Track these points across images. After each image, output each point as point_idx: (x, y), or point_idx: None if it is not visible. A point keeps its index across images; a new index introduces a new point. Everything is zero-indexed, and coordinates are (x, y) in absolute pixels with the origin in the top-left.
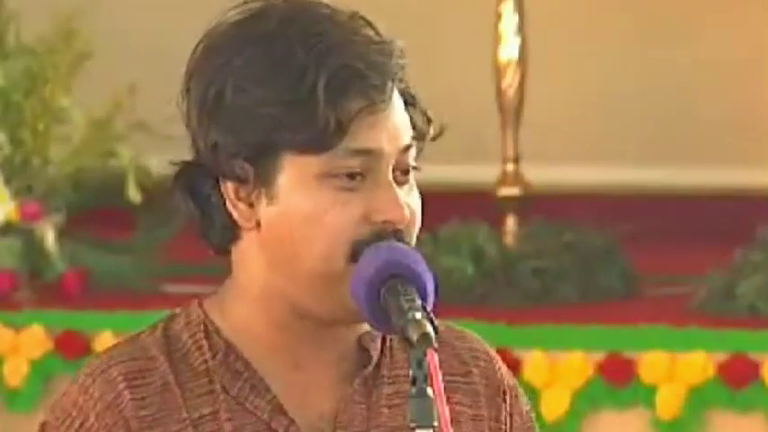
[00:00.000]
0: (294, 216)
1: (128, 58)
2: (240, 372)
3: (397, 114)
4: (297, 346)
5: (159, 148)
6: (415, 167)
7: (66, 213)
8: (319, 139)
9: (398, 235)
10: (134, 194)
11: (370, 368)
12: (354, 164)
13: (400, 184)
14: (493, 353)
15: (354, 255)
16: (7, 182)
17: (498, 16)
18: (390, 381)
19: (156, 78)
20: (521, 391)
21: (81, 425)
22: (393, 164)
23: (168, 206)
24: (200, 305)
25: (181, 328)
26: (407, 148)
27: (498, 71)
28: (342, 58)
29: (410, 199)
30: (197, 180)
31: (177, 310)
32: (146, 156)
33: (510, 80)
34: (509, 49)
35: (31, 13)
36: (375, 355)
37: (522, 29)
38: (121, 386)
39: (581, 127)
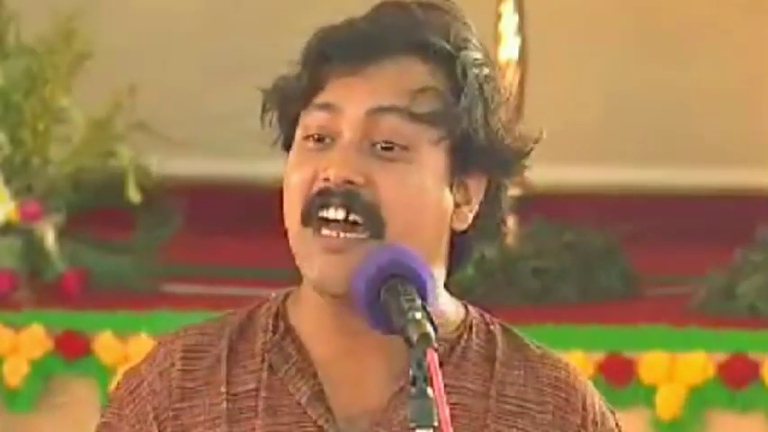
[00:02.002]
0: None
1: (128, 58)
2: (291, 354)
3: (378, 81)
4: (342, 333)
5: (159, 148)
6: (404, 147)
7: (66, 213)
8: (300, 94)
9: (344, 200)
10: (134, 194)
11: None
12: (320, 118)
13: (379, 158)
14: (582, 389)
15: (304, 218)
16: (7, 182)
17: (498, 16)
18: (454, 391)
19: (156, 78)
20: None
21: (137, 386)
22: (361, 130)
23: (168, 206)
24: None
25: (264, 310)
26: (378, 111)
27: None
28: (333, 30)
29: (384, 173)
30: None
31: (274, 294)
32: (146, 156)
33: (510, 80)
34: (509, 49)
35: (31, 13)
36: None
37: (522, 29)
38: (177, 356)
39: (581, 127)
